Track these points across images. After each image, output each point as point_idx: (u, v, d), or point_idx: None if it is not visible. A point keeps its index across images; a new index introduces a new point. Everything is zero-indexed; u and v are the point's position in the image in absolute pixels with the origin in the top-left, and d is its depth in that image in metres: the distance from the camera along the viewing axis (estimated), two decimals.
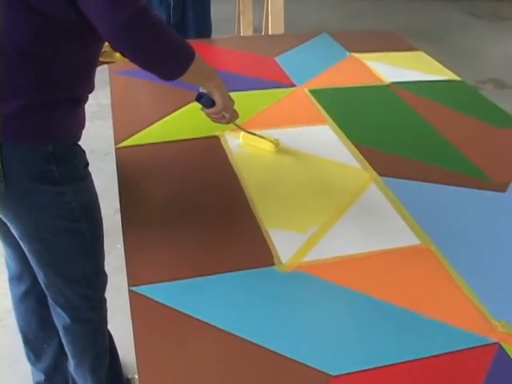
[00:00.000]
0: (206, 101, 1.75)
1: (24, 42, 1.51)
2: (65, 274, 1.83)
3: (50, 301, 1.92)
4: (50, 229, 1.72)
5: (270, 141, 1.96)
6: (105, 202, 3.47)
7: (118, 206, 1.75)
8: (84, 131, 1.78)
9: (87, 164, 1.78)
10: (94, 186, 1.82)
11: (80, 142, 1.77)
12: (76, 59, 1.58)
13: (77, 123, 1.71)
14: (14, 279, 2.06)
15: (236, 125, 1.88)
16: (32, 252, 1.79)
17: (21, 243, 1.79)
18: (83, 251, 1.81)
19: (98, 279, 1.91)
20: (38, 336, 2.13)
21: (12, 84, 1.54)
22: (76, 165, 1.71)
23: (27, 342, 2.14)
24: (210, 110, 1.77)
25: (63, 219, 1.71)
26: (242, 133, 1.99)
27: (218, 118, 1.79)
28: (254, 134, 1.98)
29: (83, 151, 1.76)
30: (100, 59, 1.98)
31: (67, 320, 1.91)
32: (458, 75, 2.66)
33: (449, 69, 2.73)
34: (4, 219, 1.73)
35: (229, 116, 1.79)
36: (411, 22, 6.86)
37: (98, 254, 1.88)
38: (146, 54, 1.53)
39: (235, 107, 1.78)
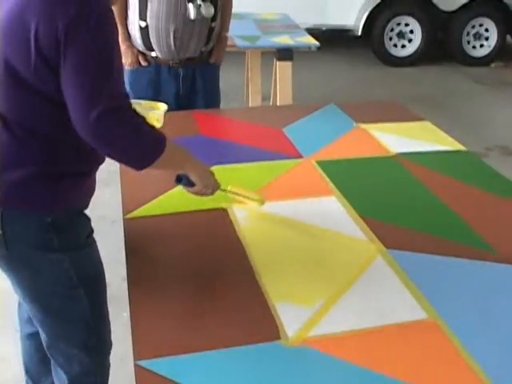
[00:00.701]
0: (185, 182, 1.84)
1: (31, 121, 1.59)
2: (65, 339, 1.86)
3: (52, 360, 1.94)
4: (48, 294, 1.77)
5: (255, 200, 2.01)
6: (112, 269, 3.47)
7: (125, 273, 1.75)
8: (92, 198, 1.81)
9: (91, 232, 1.82)
10: (97, 254, 1.86)
11: (88, 209, 1.80)
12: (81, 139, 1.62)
13: (82, 194, 1.76)
14: (23, 320, 2.11)
15: (222, 190, 1.95)
16: (33, 314, 1.84)
17: (23, 304, 1.86)
18: (83, 318, 1.83)
19: (100, 347, 1.92)
20: (37, 370, 2.19)
21: (17, 154, 1.60)
22: (77, 234, 1.75)
23: (28, 371, 2.21)
24: (192, 190, 1.87)
25: (61, 285, 1.75)
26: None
27: (201, 194, 1.88)
28: (238, 195, 2.02)
29: (88, 219, 1.81)
30: None
31: (66, 383, 1.91)
32: (464, 143, 2.69)
33: (455, 136, 2.76)
34: (8, 278, 1.78)
35: (211, 190, 1.88)
36: (418, 90, 6.96)
37: (99, 322, 1.90)
38: (113, 151, 1.60)
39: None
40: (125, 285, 1.70)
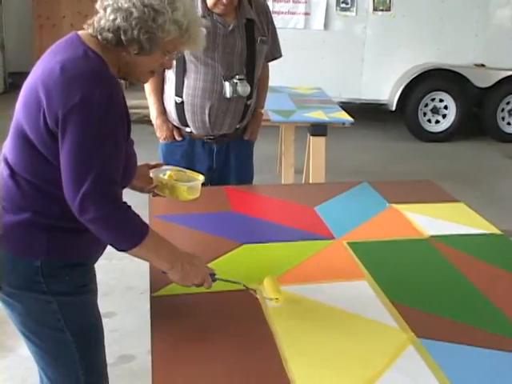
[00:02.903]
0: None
1: (32, 176, 1.77)
2: (56, 383, 1.94)
3: None
4: (36, 333, 1.88)
5: (271, 298, 1.93)
6: (137, 341, 3.47)
7: (149, 347, 1.74)
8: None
9: (87, 284, 1.93)
10: (91, 307, 1.95)
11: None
12: None
13: (78, 248, 1.87)
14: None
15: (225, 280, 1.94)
16: (30, 352, 1.95)
17: None
18: (72, 367, 1.91)
19: None
20: None
21: (18, 201, 1.78)
22: (66, 281, 1.85)
23: None
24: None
25: (47, 326, 1.86)
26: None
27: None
28: (255, 291, 1.96)
29: (86, 272, 1.94)
30: (155, 191, 2.22)
31: None
32: (497, 221, 2.66)
33: (487, 214, 2.74)
34: (7, 315, 1.92)
35: (198, 282, 1.86)
36: (451, 166, 6.94)
37: (89, 372, 1.94)
38: (94, 228, 1.72)
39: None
40: (150, 357, 1.69)
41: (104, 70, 1.73)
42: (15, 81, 9.15)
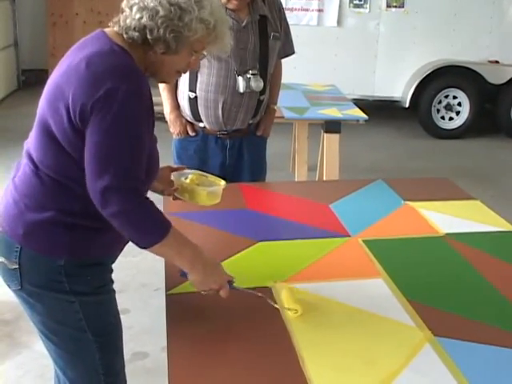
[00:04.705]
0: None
1: (56, 173, 1.76)
2: (75, 382, 1.94)
3: None
4: (57, 333, 1.87)
5: (289, 309, 1.86)
6: (151, 338, 3.48)
7: (164, 343, 1.73)
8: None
9: (106, 284, 1.92)
10: (111, 306, 1.95)
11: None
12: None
13: (98, 247, 1.86)
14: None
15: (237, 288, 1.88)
16: (48, 351, 1.94)
17: None
18: (92, 366, 1.90)
19: None
20: None
21: (42, 199, 1.79)
22: (88, 281, 1.85)
23: None
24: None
25: (68, 326, 1.85)
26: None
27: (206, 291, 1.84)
28: (275, 302, 1.89)
29: (106, 271, 1.93)
30: (175, 194, 2.20)
31: None
32: None
33: (501, 212, 2.71)
34: (25, 312, 1.92)
35: (216, 287, 1.81)
36: (465, 163, 6.90)
37: (108, 371, 1.93)
38: (117, 223, 1.70)
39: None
40: (164, 355, 1.69)
41: (130, 65, 1.72)
42: (28, 78, 9.17)
